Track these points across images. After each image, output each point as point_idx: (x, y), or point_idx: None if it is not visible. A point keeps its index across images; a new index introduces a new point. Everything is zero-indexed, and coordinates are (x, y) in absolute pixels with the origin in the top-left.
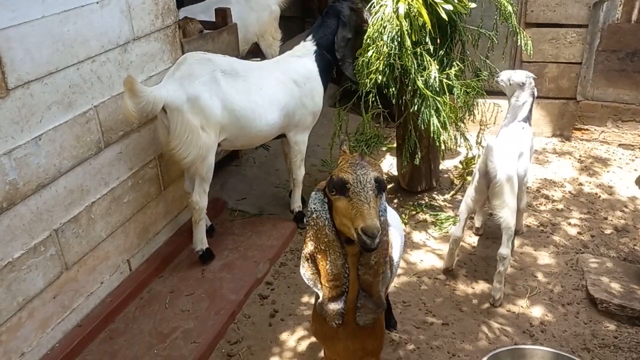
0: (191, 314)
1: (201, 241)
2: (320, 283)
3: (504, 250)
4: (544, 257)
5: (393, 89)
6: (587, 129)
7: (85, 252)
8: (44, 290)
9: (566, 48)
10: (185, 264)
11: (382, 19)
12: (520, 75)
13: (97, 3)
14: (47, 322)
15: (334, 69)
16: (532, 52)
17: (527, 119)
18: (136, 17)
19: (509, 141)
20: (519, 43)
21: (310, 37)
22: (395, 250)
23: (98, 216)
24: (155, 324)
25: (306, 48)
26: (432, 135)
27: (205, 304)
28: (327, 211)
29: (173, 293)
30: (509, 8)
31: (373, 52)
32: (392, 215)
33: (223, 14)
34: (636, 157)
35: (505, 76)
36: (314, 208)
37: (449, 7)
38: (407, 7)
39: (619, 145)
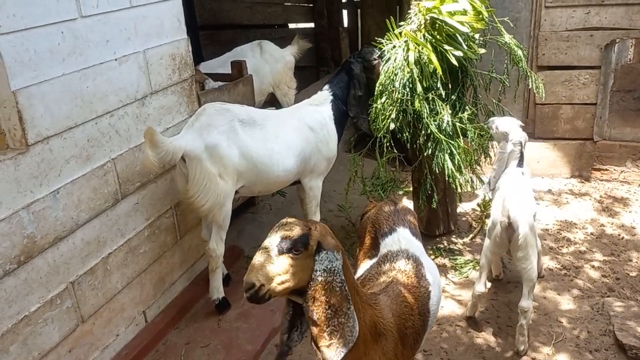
0: None
1: (217, 290)
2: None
3: (525, 302)
4: (568, 302)
5: (407, 134)
6: (606, 169)
7: (101, 304)
8: (60, 344)
9: (580, 89)
10: (202, 313)
11: (393, 66)
12: (504, 124)
13: (116, 60)
14: None
15: (349, 118)
16: (544, 94)
17: (521, 163)
18: (154, 72)
19: (520, 191)
20: (530, 86)
21: (326, 86)
22: (433, 303)
23: (114, 267)
24: None
25: (323, 96)
26: (447, 178)
27: (221, 355)
28: None
29: (189, 345)
30: (519, 52)
31: (386, 99)
32: (429, 266)
33: (239, 67)
34: None
35: (493, 124)
36: None
37: (459, 53)
38: (418, 54)
39: None
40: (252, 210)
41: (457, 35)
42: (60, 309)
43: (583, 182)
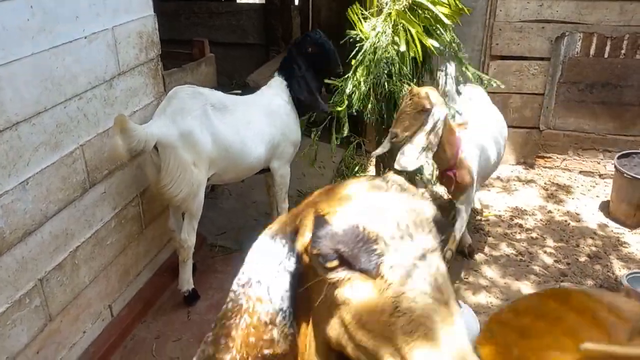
0: None
1: (187, 281)
2: None
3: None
4: (527, 287)
5: (376, 115)
6: (549, 157)
7: (69, 301)
8: (28, 346)
9: (529, 80)
10: (169, 306)
11: (375, 45)
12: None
13: (85, 38)
14: None
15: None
16: (502, 85)
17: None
18: (122, 51)
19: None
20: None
21: (276, 73)
22: None
23: (82, 261)
24: None
25: (277, 82)
26: None
27: (195, 349)
28: (288, 293)
29: (159, 339)
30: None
31: (363, 77)
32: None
33: (200, 46)
34: (597, 184)
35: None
36: (252, 276)
37: (436, 43)
38: (406, 35)
39: (580, 172)
40: (212, 196)
41: (437, 25)
42: (29, 308)
43: (528, 169)
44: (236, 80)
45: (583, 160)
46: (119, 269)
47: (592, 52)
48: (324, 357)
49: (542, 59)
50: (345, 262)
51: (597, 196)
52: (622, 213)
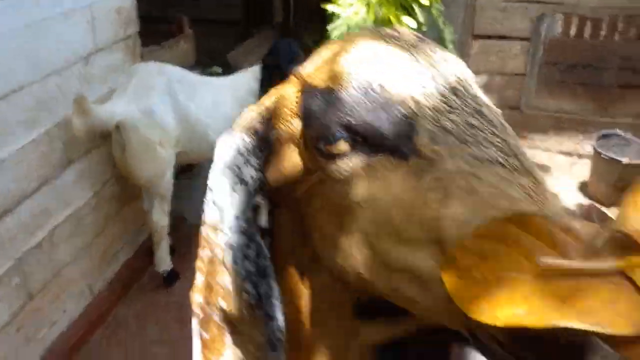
0: (163, 342)
1: (164, 262)
2: None
3: None
4: None
5: None
6: (530, 138)
7: (48, 280)
8: (9, 324)
9: (511, 60)
10: (149, 286)
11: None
12: None
13: (63, 13)
14: (10, 357)
15: None
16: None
17: None
18: (100, 27)
19: None
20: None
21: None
22: None
23: (61, 240)
24: (126, 354)
25: (255, 69)
26: None
27: (175, 330)
28: (252, 224)
29: (140, 319)
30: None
31: None
32: None
33: (180, 22)
34: (575, 164)
35: None
36: (209, 193)
37: (414, 24)
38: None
39: (560, 152)
40: (188, 176)
41: (414, 5)
42: (9, 287)
43: None
44: (217, 58)
45: (563, 141)
46: (99, 249)
47: (572, 32)
48: (331, 312)
49: (524, 39)
50: (360, 143)
51: (576, 176)
52: (601, 193)
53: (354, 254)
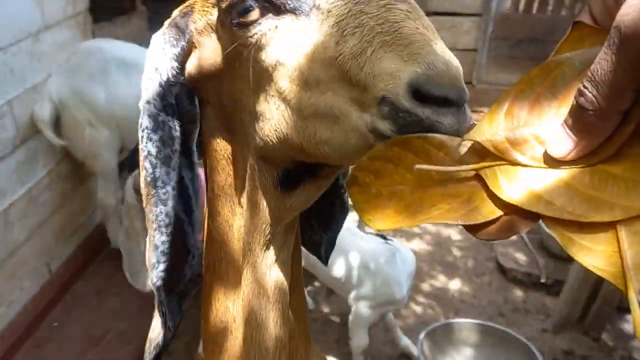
0: (123, 315)
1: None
2: None
3: None
4: (456, 234)
5: None
6: (481, 111)
7: (4, 258)
8: None
9: (463, 35)
10: (108, 263)
11: None
12: None
13: None
14: None
15: None
16: None
17: None
18: (47, 3)
19: None
20: None
21: None
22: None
23: (15, 219)
24: (85, 327)
25: None
26: None
27: (135, 303)
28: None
29: (99, 294)
30: None
31: None
32: None
33: None
34: None
35: None
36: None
37: None
38: None
39: None
40: None
41: None
42: None
43: None
44: None
45: None
46: (55, 227)
47: (521, 7)
48: (260, 193)
49: (474, 15)
50: (267, 8)
51: None
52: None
53: (274, 115)
